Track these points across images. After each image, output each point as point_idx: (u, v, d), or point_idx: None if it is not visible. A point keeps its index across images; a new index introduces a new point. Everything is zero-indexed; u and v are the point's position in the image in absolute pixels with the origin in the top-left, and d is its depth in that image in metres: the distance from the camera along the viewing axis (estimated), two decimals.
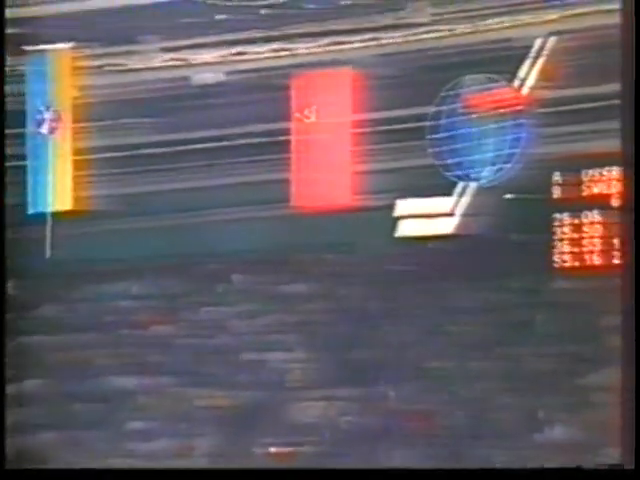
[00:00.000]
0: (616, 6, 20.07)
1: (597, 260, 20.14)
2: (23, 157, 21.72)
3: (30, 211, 21.53)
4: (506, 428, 20.76)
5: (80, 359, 22.32)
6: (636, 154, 10.98)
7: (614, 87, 19.90)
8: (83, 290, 22.54)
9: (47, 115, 21.72)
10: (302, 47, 21.45)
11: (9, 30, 21.83)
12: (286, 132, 21.23)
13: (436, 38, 21.25)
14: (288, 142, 21.24)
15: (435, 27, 21.18)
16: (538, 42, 20.81)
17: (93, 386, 22.06)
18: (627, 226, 20.14)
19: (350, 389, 21.60)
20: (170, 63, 21.67)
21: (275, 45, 21.54)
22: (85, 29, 21.71)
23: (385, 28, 21.27)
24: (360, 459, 20.95)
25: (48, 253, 21.54)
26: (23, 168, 21.73)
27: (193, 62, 21.72)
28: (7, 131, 21.37)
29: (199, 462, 21.45)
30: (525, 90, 20.67)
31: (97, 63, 21.73)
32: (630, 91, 10.87)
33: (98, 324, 22.46)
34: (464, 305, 21.74)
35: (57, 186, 21.67)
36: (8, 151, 21.36)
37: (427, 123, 20.76)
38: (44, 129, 21.71)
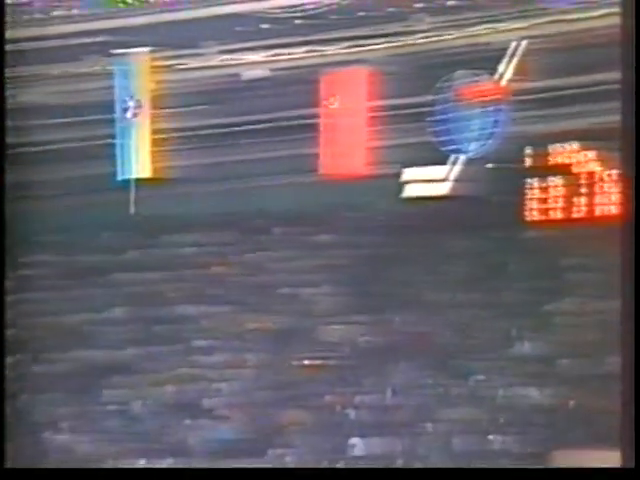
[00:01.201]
0: (573, 16, 20.56)
1: (559, 214, 20.13)
2: (113, 136, 21.67)
3: (119, 178, 21.59)
4: (486, 345, 20.59)
5: (156, 292, 22.26)
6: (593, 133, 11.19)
7: (573, 80, 20.05)
8: (159, 239, 22.47)
9: (131, 104, 21.66)
10: (328, 49, 21.40)
11: (100, 38, 21.90)
12: (315, 116, 21.13)
13: (433, 42, 21.15)
14: (317, 124, 21.14)
15: (432, 33, 21.12)
16: (513, 45, 20.84)
17: (166, 312, 22.02)
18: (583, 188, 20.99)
19: (366, 316, 21.52)
20: (225, 62, 21.60)
21: (307, 48, 21.47)
22: (159, 36, 21.64)
23: (393, 34, 21.20)
24: (373, 370, 20.84)
25: (132, 210, 21.59)
26: (113, 145, 21.71)
27: (243, 61, 21.71)
28: (101, 116, 21.52)
29: (250, 373, 21.36)
30: (503, 82, 20.61)
31: (168, 63, 21.64)
32: (595, 83, 11.15)
33: (170, 265, 22.36)
34: (455, 250, 21.60)
35: (139, 159, 21.57)
36: (102, 132, 21.53)
37: (426, 109, 20.66)
38: (129, 114, 21.65)
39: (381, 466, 18.95)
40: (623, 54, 12.06)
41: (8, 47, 21.91)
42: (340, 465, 19.60)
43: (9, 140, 22.00)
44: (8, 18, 22.27)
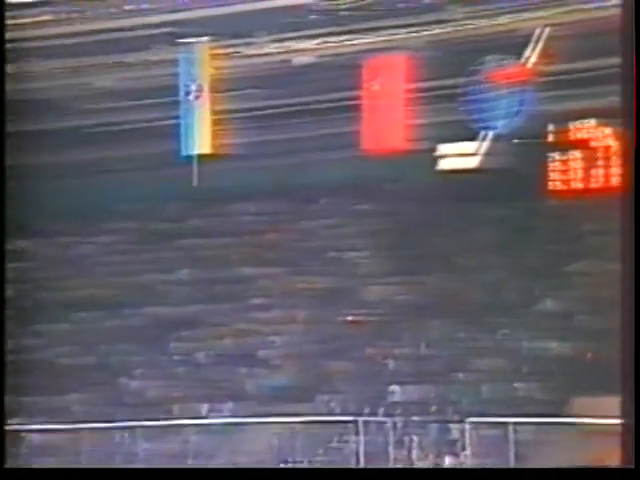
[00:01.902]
0: (591, 5, 20.17)
1: (578, 185, 19.90)
2: (177, 117, 21.64)
3: (183, 153, 21.55)
4: (512, 302, 20.32)
5: (217, 255, 22.15)
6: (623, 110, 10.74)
7: (591, 63, 19.69)
8: (219, 208, 22.33)
9: (193, 87, 21.57)
10: (369, 37, 21.28)
11: (166, 29, 21.76)
12: (358, 98, 20.81)
13: (464, 30, 20.98)
14: (359, 105, 20.82)
15: (464, 22, 20.82)
16: (537, 32, 20.57)
17: (226, 274, 21.88)
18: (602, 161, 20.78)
19: (403, 277, 21.23)
20: (277, 50, 21.47)
21: (350, 36, 21.22)
22: (218, 27, 21.53)
23: (429, 23, 20.98)
24: (409, 325, 20.54)
25: (195, 182, 21.58)
26: (177, 125, 21.66)
27: (293, 49, 21.59)
28: (167, 99, 21.46)
29: (299, 328, 21.18)
30: (528, 66, 20.39)
31: (226, 51, 21.47)
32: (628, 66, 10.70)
33: (229, 231, 22.24)
34: (484, 218, 21.32)
35: (201, 137, 21.52)
36: (167, 114, 21.45)
37: (458, 90, 20.33)
38: (191, 97, 21.57)
39: (416, 416, 18.78)
40: (623, 40, 11.56)
41: (85, 38, 21.91)
42: (380, 411, 19.25)
43: (87, 122, 22.07)
44: (89, 12, 22.27)
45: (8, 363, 21.24)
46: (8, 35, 20.14)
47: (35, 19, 21.93)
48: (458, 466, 18.54)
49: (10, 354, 21.90)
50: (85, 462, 19.61)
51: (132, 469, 8.97)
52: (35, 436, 20.04)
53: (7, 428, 20.24)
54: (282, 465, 19.32)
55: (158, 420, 19.71)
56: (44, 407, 20.45)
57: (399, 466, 18.81)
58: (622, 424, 10.51)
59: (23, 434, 19.92)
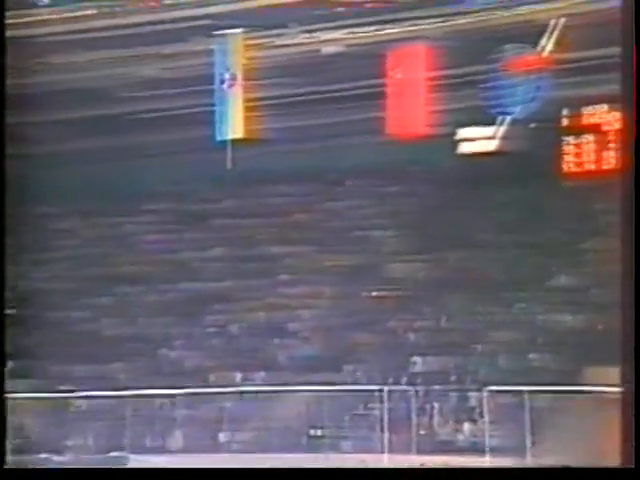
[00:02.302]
0: None
1: (591, 166, 19.83)
2: (212, 104, 21.73)
3: (217, 138, 21.57)
4: (528, 278, 20.23)
5: (249, 234, 22.16)
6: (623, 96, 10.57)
7: (605, 51, 19.51)
8: (250, 190, 22.32)
9: (227, 76, 21.61)
10: (393, 28, 21.24)
11: (202, 22, 21.79)
12: (383, 85, 20.82)
13: (483, 20, 20.95)
14: (384, 92, 20.84)
15: (483, 13, 20.83)
16: (552, 22, 20.49)
17: (257, 251, 21.92)
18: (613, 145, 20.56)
19: (425, 255, 21.19)
20: (306, 40, 21.47)
21: (375, 27, 21.24)
22: (251, 19, 21.57)
23: (449, 14, 20.92)
24: (430, 300, 20.47)
25: (229, 166, 21.65)
26: (212, 112, 21.69)
27: (322, 39, 21.57)
28: (202, 87, 21.48)
29: (326, 302, 21.12)
30: (544, 54, 20.39)
31: (258, 41, 21.49)
32: (621, 55, 10.50)
33: (260, 212, 22.26)
34: (502, 198, 21.23)
35: (234, 122, 21.63)
36: (203, 101, 21.46)
37: (477, 77, 20.22)
38: (225, 85, 21.63)
39: (435, 387, 18.78)
40: (623, 31, 11.46)
41: (127, 31, 21.97)
42: (403, 381, 19.21)
43: (128, 109, 22.15)
44: (130, 6, 22.34)
45: (59, 334, 21.60)
46: (55, 29, 20.33)
47: (80, 13, 22.06)
48: (473, 439, 18.42)
49: (60, 325, 22.34)
50: (128, 426, 19.65)
51: (132, 469, 8.72)
52: (83, 402, 20.02)
53: (55, 395, 20.72)
54: (311, 431, 19.30)
55: (195, 388, 19.63)
56: (91, 375, 20.52)
57: (421, 432, 18.71)
58: (622, 391, 10.38)
59: (72, 400, 19.94)
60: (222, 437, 19.66)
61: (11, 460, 19.37)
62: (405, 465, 17.91)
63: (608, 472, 7.79)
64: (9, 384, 20.10)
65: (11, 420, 19.78)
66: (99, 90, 21.98)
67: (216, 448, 19.31)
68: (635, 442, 7.40)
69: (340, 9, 21.33)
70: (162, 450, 19.54)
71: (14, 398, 19.70)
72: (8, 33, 19.60)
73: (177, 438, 19.98)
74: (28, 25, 20.65)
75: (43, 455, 19.51)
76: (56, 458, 19.50)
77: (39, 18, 21.06)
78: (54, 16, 21.08)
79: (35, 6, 21.72)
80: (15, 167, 22.49)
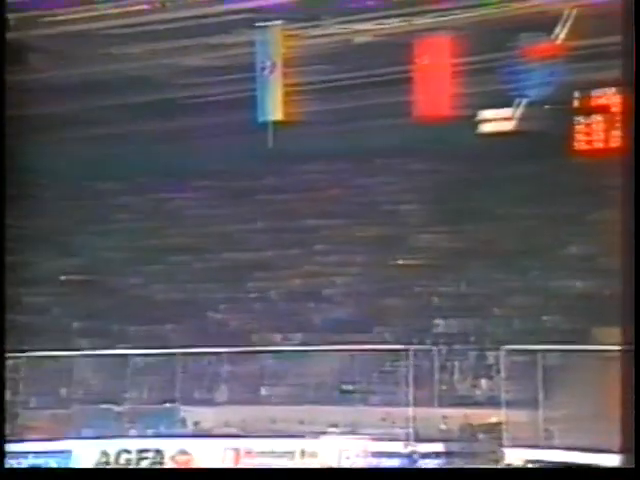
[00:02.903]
0: None
1: (600, 144, 19.35)
2: (254, 90, 21.69)
3: (259, 121, 21.48)
4: (542, 247, 20.18)
5: (288, 208, 22.29)
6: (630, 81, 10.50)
7: (613, 39, 19.27)
8: (289, 167, 22.33)
9: (268, 64, 21.50)
10: (420, 19, 21.05)
11: (245, 15, 21.77)
12: (410, 71, 20.25)
13: (503, 12, 20.69)
14: (411, 77, 20.52)
15: (502, 4, 20.66)
16: (566, 12, 20.26)
17: (295, 224, 22.01)
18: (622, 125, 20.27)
19: (447, 226, 21.19)
20: (340, 31, 21.30)
21: (403, 18, 21.11)
22: (289, 12, 21.50)
23: (471, 6, 20.71)
24: (452, 267, 20.48)
25: (270, 145, 21.67)
26: (254, 96, 21.61)
27: (354, 30, 21.42)
28: (245, 75, 21.38)
29: (358, 270, 21.21)
30: (558, 42, 20.25)
31: (296, 32, 21.25)
32: (629, 43, 10.42)
33: (297, 188, 22.34)
34: (518, 174, 21.09)
35: (274, 106, 21.53)
36: (246, 87, 21.41)
37: (497, 63, 20.07)
38: (266, 72, 21.53)
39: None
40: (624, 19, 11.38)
41: (177, 24, 22.06)
42: (427, 341, 19.23)
43: (178, 95, 22.27)
44: (180, 1, 22.39)
45: (117, 298, 22.03)
46: (114, 22, 20.49)
47: (134, 8, 22.18)
48: (490, 393, 18.37)
49: (118, 290, 22.48)
50: (178, 381, 19.79)
51: (132, 469, 8.28)
52: (138, 359, 20.18)
53: (113, 352, 21.32)
54: (343, 386, 19.35)
55: (238, 347, 19.80)
56: (145, 335, 20.75)
57: (443, 388, 18.70)
58: (622, 349, 10.38)
59: (128, 358, 20.11)
60: (263, 391, 19.82)
61: (77, 409, 19.94)
62: (426, 419, 18.08)
63: (608, 472, 7.36)
64: (75, 342, 20.62)
65: (77, 374, 20.30)
66: (153, 78, 21.89)
67: (257, 401, 19.50)
68: (635, 442, 6.92)
69: (370, 2, 21.23)
70: (209, 402, 19.76)
71: (79, 355, 20.10)
72: (74, 27, 19.94)
73: (222, 392, 20.15)
74: (91, 20, 20.82)
75: (104, 405, 19.86)
76: (116, 408, 19.83)
77: (100, 13, 21.21)
78: (113, 11, 21.24)
79: (96, 2, 21.90)
80: (82, 148, 22.95)
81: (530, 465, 17.01)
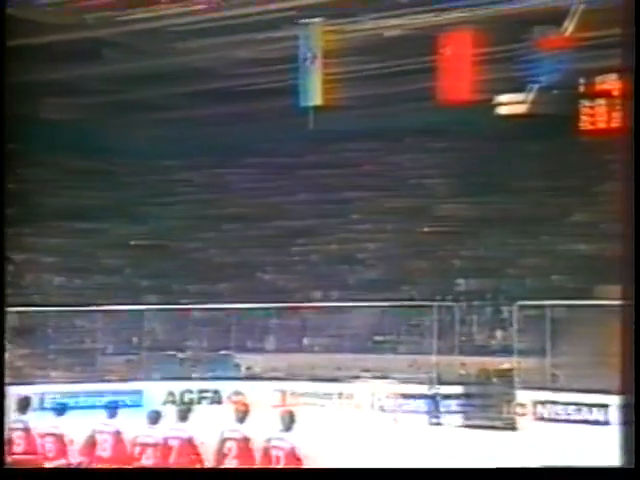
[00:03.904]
0: None
1: (604, 125, 19.42)
2: (297, 78, 21.64)
3: (301, 105, 20.67)
4: (550, 215, 20.05)
5: (327, 182, 22.20)
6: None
7: (614, 31, 19.00)
8: (328, 146, 22.40)
9: (309, 55, 21.41)
10: (443, 15, 20.83)
11: (290, 13, 21.66)
12: (436, 60, 19.92)
13: (518, 8, 20.36)
14: (437, 66, 20.02)
15: (517, 1, 20.37)
16: (573, 8, 20.02)
17: (334, 196, 21.96)
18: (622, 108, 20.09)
19: (468, 197, 21.11)
20: (373, 26, 21.03)
21: (430, 14, 20.87)
22: (327, 10, 21.32)
23: (490, 3, 20.47)
24: (472, 234, 20.39)
25: (311, 127, 21.66)
26: (297, 84, 21.43)
27: (385, 25, 21.24)
28: (288, 65, 21.33)
29: (388, 237, 21.14)
30: (566, 33, 19.94)
31: (334, 28, 21.10)
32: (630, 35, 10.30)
33: (334, 164, 22.35)
34: (531, 151, 21.02)
35: (315, 92, 21.43)
36: (290, 76, 21.32)
37: (513, 53, 19.51)
38: (307, 63, 21.45)
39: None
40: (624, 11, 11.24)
41: (230, 21, 22.04)
42: (449, 298, 19.15)
43: (230, 84, 22.26)
44: (233, 1, 22.33)
45: (179, 260, 22.03)
46: (179, 20, 20.52)
47: (191, 8, 22.16)
48: (504, 343, 18.20)
49: (180, 253, 22.27)
50: (233, 332, 19.99)
51: (132, 469, 7.93)
52: (198, 313, 20.43)
53: (177, 307, 21.59)
54: (375, 337, 19.36)
55: (284, 303, 19.89)
56: (203, 292, 20.90)
57: (462, 339, 18.59)
58: (620, 305, 10.30)
59: (190, 312, 20.36)
60: (305, 341, 19.97)
61: (147, 355, 20.37)
62: (448, 365, 18.02)
63: (608, 472, 6.43)
64: (144, 298, 20.89)
65: (146, 325, 20.56)
66: (211, 69, 21.90)
67: (300, 349, 19.62)
68: (635, 442, 6.15)
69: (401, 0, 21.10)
70: (259, 350, 19.98)
71: (148, 309, 20.37)
72: (144, 25, 19.97)
73: (271, 342, 20.38)
74: (158, 18, 20.87)
75: (170, 352, 20.09)
76: (180, 355, 20.03)
77: (165, 12, 21.23)
78: (176, 10, 21.27)
79: (161, 2, 21.91)
80: (150, 130, 23.07)
81: (538, 405, 17.08)
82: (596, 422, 16.27)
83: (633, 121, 11.34)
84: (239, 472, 7.57)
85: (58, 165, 22.61)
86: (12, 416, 9.22)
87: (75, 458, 8.81)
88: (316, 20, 21.76)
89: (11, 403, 9.47)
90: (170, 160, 23.44)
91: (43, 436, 9.00)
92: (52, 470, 8.56)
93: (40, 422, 9.17)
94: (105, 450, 8.72)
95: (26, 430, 9.03)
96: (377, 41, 21.31)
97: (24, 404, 9.30)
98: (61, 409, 9.26)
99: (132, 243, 22.35)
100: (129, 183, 23.11)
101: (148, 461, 8.40)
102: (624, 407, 5.89)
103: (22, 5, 18.59)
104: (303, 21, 21.80)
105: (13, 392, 8.51)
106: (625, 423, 5.86)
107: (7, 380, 7.62)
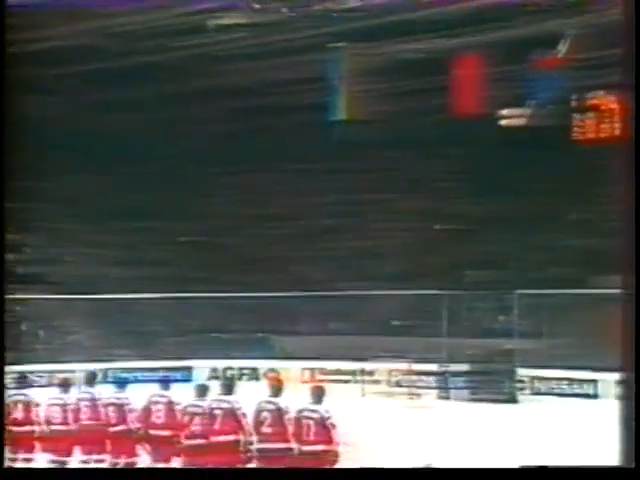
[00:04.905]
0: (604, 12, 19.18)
1: (592, 135, 19.42)
2: (326, 96, 20.77)
3: (330, 119, 20.77)
4: (549, 214, 19.88)
5: (351, 185, 22.14)
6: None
7: (602, 53, 18.79)
8: (351, 155, 22.22)
9: (337, 76, 21.17)
10: (454, 39, 20.78)
11: (318, 40, 21.18)
12: (448, 79, 19.95)
13: (518, 33, 20.36)
14: (449, 84, 19.98)
15: (518, 27, 20.33)
16: (567, 32, 19.81)
17: (355, 198, 21.89)
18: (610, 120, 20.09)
19: (476, 198, 20.89)
20: (392, 50, 20.10)
21: (443, 39, 20.69)
22: (353, 36, 21.09)
23: (492, 28, 20.38)
24: (480, 229, 20.24)
25: (338, 137, 21.36)
26: (326, 101, 20.89)
27: (403, 49, 20.81)
28: (318, 85, 20.52)
29: (401, 234, 21.05)
30: (559, 56, 19.49)
31: (358, 51, 20.47)
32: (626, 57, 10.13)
33: (358, 170, 22.14)
34: (530, 158, 20.56)
35: (341, 108, 20.81)
36: (320, 94, 20.60)
37: (514, 73, 19.08)
38: (335, 82, 20.79)
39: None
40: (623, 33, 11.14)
41: (268, 47, 21.81)
42: (458, 288, 18.96)
43: (271, 101, 21.30)
44: (269, 27, 22.16)
45: (221, 254, 21.70)
46: (222, 46, 20.52)
47: (236, 35, 22.00)
48: (506, 326, 18.10)
49: (223, 249, 21.95)
50: (268, 318, 20.08)
51: (132, 469, 8.24)
52: (237, 301, 20.42)
53: (220, 295, 20.98)
54: (393, 322, 19.27)
55: (313, 292, 20.12)
56: (241, 282, 20.76)
57: (470, 323, 18.62)
58: (611, 293, 10.21)
59: (232, 300, 20.44)
60: (332, 325, 20.09)
61: (194, 337, 20.36)
62: (457, 347, 18.01)
63: (608, 472, 5.89)
64: (191, 287, 20.98)
65: (194, 311, 20.64)
66: (252, 88, 21.99)
67: (328, 332, 19.71)
68: (635, 442, 5.66)
69: (417, 27, 20.95)
70: (292, 333, 20.05)
71: (194, 297, 20.50)
72: (193, 51, 20.04)
73: (302, 325, 20.42)
74: (204, 45, 20.81)
75: (214, 334, 20.18)
76: (223, 336, 20.10)
77: (211, 40, 21.19)
78: (221, 38, 21.26)
79: (207, 31, 21.82)
80: (201, 142, 23.05)
81: (536, 380, 17.08)
82: (586, 395, 16.55)
83: (626, 132, 11.19)
84: (239, 472, 7.43)
85: (123, 173, 22.94)
86: (82, 388, 9.47)
87: (133, 424, 8.97)
88: (343, 45, 21.75)
89: (80, 377, 9.70)
90: (216, 167, 23.42)
91: (106, 405, 9.17)
92: (52, 470, 8.46)
93: (104, 393, 9.36)
94: (159, 418, 8.86)
95: (92, 400, 9.22)
96: (396, 63, 21.21)
97: (91, 378, 9.54)
98: (122, 383, 9.50)
99: (181, 239, 22.47)
100: (178, 185, 23.24)
101: (196, 427, 8.51)
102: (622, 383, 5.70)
103: (88, 34, 18.92)
104: (332, 45, 21.77)
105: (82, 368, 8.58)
106: (626, 398, 5.67)
107: (75, 358, 7.66)
